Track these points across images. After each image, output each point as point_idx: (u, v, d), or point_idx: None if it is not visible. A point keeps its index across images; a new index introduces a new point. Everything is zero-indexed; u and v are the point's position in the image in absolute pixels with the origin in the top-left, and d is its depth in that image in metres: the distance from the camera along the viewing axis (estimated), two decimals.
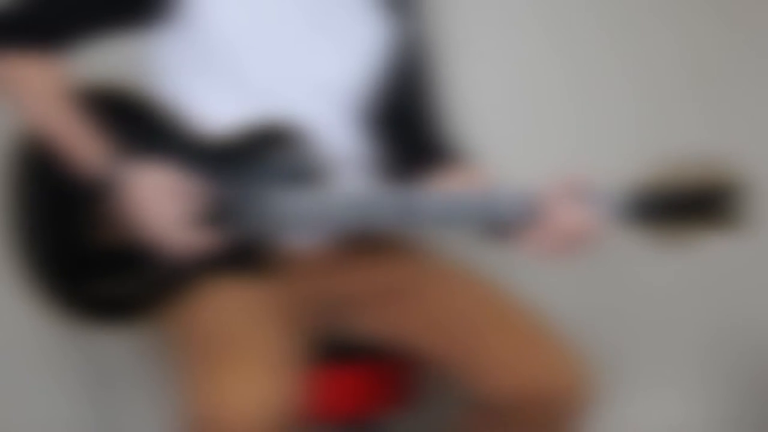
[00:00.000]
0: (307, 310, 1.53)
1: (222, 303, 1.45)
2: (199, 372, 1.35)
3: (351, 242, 1.56)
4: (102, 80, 1.53)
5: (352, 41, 1.56)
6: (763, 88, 2.20)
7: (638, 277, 2.20)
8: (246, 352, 1.35)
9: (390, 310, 1.55)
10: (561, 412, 1.43)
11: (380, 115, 1.60)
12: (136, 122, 1.50)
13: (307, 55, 1.53)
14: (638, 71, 2.17)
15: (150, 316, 1.51)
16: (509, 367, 1.43)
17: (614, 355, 2.12)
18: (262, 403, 1.29)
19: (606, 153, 2.02)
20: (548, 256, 1.44)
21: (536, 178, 1.45)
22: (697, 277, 2.20)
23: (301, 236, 1.53)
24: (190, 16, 1.49)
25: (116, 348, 2.09)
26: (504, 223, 1.45)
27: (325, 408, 1.57)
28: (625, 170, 1.45)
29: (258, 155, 1.49)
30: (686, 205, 1.43)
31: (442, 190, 1.54)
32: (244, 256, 1.48)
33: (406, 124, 1.63)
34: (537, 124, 2.16)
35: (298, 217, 1.46)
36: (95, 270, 1.52)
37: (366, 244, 1.58)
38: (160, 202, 1.43)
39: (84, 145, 1.46)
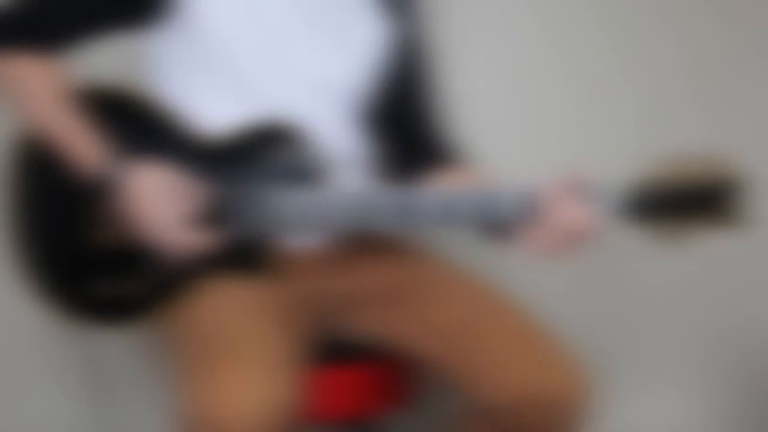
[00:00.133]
0: (306, 310, 1.53)
1: (221, 303, 1.45)
2: (199, 372, 1.35)
3: (350, 242, 1.56)
4: (101, 80, 1.53)
5: (352, 41, 1.57)
6: (763, 88, 2.20)
7: (638, 277, 2.20)
8: (245, 352, 1.35)
9: (389, 312, 1.55)
10: (560, 415, 1.43)
11: (379, 114, 1.60)
12: (134, 122, 1.50)
13: (306, 55, 1.53)
14: (638, 71, 2.17)
15: (149, 317, 1.51)
16: (508, 369, 1.43)
17: (614, 355, 2.12)
18: (261, 403, 1.29)
19: (606, 152, 2.02)
20: (548, 254, 1.44)
21: (536, 177, 1.45)
22: (697, 277, 2.20)
23: (300, 236, 1.53)
24: (189, 15, 1.49)
25: (116, 348, 2.10)
26: (503, 222, 1.45)
27: (324, 408, 1.57)
28: (624, 170, 1.45)
29: (257, 155, 1.49)
30: (686, 203, 1.43)
31: (441, 189, 1.54)
32: (242, 256, 1.48)
33: (405, 124, 1.63)
34: (536, 123, 2.16)
35: (297, 217, 1.46)
36: (95, 270, 1.52)
37: (365, 244, 1.58)
38: (158, 203, 1.43)
39: (83, 145, 1.46)
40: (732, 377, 2.26)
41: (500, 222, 1.45)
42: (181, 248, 1.45)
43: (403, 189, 1.51)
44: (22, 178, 1.55)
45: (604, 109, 2.16)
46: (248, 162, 1.49)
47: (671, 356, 2.25)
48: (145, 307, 1.51)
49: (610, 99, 2.16)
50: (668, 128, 2.16)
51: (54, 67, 1.50)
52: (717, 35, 2.18)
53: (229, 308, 1.44)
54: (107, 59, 1.62)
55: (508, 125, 2.14)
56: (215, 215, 1.46)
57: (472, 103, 1.99)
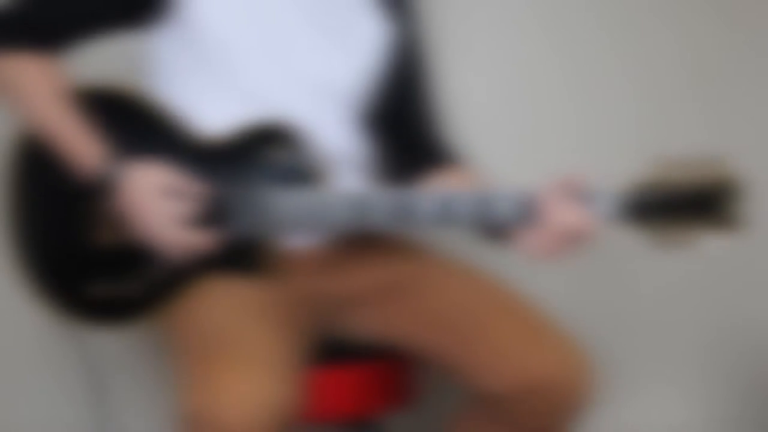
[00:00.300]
0: (305, 309, 1.53)
1: (220, 303, 1.45)
2: (198, 372, 1.35)
3: (348, 241, 1.56)
4: (100, 80, 1.53)
5: (351, 41, 1.57)
6: (763, 88, 2.20)
7: (638, 277, 2.20)
8: (244, 352, 1.35)
9: (388, 308, 1.55)
10: (562, 402, 1.43)
11: (378, 115, 1.60)
12: (133, 122, 1.51)
13: (306, 55, 1.53)
14: (638, 72, 2.17)
15: (148, 317, 1.52)
16: (509, 357, 1.43)
17: (614, 355, 2.12)
18: (261, 403, 1.29)
19: (605, 153, 2.02)
20: (546, 256, 1.44)
21: (534, 178, 1.45)
22: (697, 277, 2.20)
23: (299, 236, 1.53)
24: (188, 15, 1.49)
25: (116, 348, 2.10)
26: (501, 223, 1.45)
27: (324, 408, 1.57)
28: (624, 170, 1.45)
29: (255, 155, 1.49)
30: (684, 205, 1.43)
31: (438, 190, 1.54)
32: (241, 256, 1.48)
33: (404, 125, 1.63)
34: (535, 124, 2.16)
35: (295, 217, 1.46)
36: (94, 270, 1.52)
37: (363, 242, 1.58)
38: (157, 202, 1.43)
39: (82, 145, 1.46)
40: (732, 377, 2.26)
41: (498, 224, 1.45)
42: (180, 248, 1.45)
43: (401, 190, 1.50)
44: (22, 177, 1.55)
45: (603, 110, 2.16)
46: (247, 162, 1.49)
47: (671, 356, 2.25)
48: (144, 307, 1.51)
49: (610, 100, 2.16)
50: (668, 129, 2.16)
51: (53, 66, 1.50)
52: (717, 35, 2.18)
53: (228, 308, 1.44)
54: (107, 59, 1.62)
55: (507, 126, 2.14)
56: (214, 215, 1.46)
57: (471, 104, 2.00)
